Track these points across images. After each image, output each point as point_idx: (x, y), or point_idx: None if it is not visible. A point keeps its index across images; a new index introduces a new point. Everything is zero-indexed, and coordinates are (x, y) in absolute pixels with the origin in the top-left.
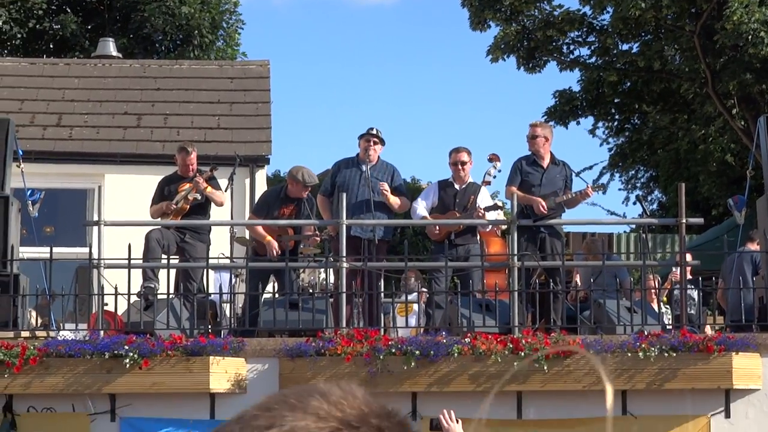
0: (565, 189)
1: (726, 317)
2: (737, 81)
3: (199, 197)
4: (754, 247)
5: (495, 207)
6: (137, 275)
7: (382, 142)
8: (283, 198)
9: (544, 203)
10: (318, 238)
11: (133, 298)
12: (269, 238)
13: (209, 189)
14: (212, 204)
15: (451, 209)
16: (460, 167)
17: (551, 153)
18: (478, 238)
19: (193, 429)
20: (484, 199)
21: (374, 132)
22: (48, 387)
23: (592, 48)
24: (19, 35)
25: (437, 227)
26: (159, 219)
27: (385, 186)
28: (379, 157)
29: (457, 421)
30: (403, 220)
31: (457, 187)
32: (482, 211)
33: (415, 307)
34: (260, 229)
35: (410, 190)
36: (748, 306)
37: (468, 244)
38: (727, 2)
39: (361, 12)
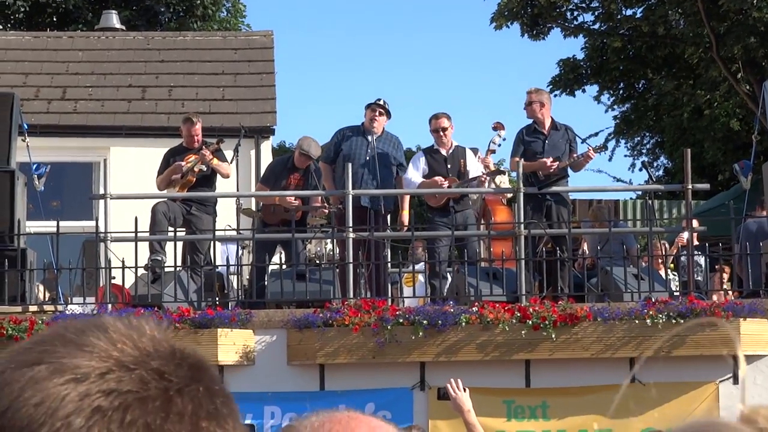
0: (570, 153)
1: (734, 283)
2: (742, 45)
3: (205, 169)
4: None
5: (498, 172)
6: (144, 248)
7: (388, 114)
8: (290, 167)
9: (549, 161)
10: (326, 210)
11: (141, 271)
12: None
13: (215, 161)
14: (218, 176)
15: (445, 175)
16: (441, 134)
17: (552, 118)
18: (470, 202)
19: None
20: (472, 162)
21: (381, 103)
22: None
23: (596, 14)
24: (22, 8)
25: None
26: (165, 191)
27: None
28: (384, 128)
29: (465, 390)
30: (408, 189)
31: (444, 152)
32: (485, 176)
33: (421, 277)
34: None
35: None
36: None
37: (465, 210)
38: None
39: None
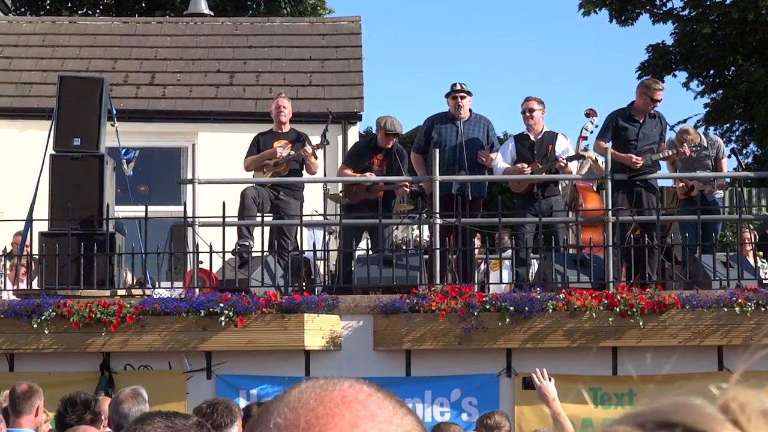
0: (659, 142)
1: None
2: None
3: (294, 153)
4: None
5: (579, 156)
6: (232, 233)
7: (469, 93)
8: (373, 147)
9: (636, 158)
10: (407, 189)
11: (228, 256)
12: (358, 175)
13: (312, 159)
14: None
15: (531, 161)
16: (528, 115)
17: None
18: (560, 188)
19: (288, 386)
20: (562, 147)
21: (458, 87)
22: (144, 345)
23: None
24: None
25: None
26: (252, 175)
27: (486, 156)
28: (471, 110)
29: (550, 379)
30: (495, 176)
31: (532, 138)
32: (564, 160)
33: (507, 263)
34: (349, 172)
35: None
36: None
37: (551, 197)
38: None
39: None
